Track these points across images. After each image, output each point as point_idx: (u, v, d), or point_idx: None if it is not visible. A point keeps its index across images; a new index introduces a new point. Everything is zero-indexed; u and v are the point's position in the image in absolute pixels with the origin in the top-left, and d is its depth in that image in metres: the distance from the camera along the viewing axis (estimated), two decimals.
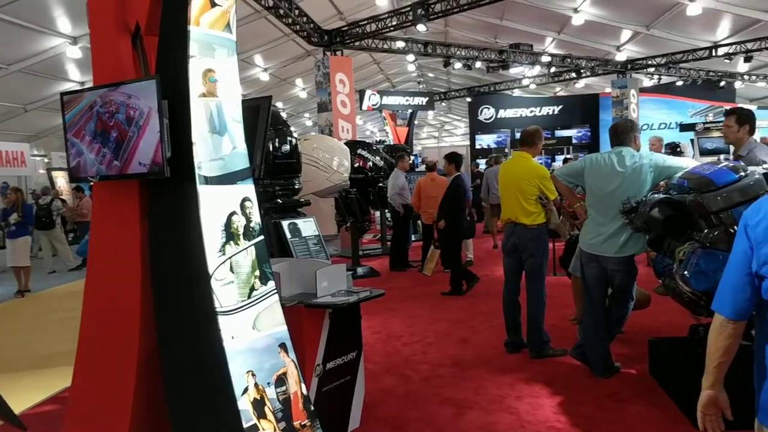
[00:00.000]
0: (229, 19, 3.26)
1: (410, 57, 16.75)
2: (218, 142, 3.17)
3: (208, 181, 3.08)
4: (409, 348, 6.01)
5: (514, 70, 20.66)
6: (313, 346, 3.80)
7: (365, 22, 14.32)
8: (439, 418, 4.33)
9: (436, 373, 5.24)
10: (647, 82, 21.89)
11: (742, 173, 3.79)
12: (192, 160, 3.04)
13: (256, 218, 3.29)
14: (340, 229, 9.78)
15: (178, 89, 3.07)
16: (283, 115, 29.57)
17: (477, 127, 22.66)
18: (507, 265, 5.70)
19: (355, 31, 14.48)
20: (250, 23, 14.47)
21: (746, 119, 4.85)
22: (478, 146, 22.91)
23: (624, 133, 4.79)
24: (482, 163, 18.02)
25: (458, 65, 18.16)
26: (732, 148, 5.36)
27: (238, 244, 3.17)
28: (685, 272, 3.74)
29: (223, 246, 3.09)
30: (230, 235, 3.14)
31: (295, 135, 5.94)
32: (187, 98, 3.06)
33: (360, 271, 9.90)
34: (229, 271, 3.09)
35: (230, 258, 3.11)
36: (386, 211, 11.71)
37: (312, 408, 3.29)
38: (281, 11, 12.64)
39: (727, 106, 19.12)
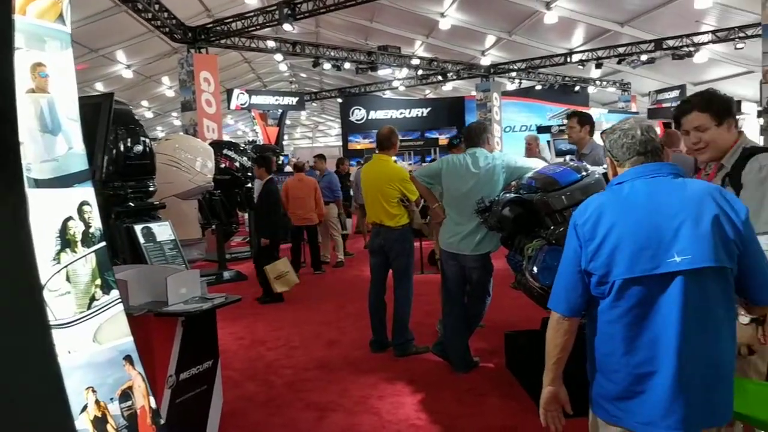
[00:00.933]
0: (62, 9, 3.02)
1: (278, 56, 16.55)
2: (51, 142, 2.92)
3: (38, 183, 2.83)
4: (273, 353, 5.89)
5: (384, 72, 20.96)
6: (165, 356, 3.61)
7: (231, 19, 13.96)
8: (302, 422, 4.27)
9: (301, 377, 5.17)
10: (510, 86, 22.90)
11: (584, 173, 4.02)
12: (20, 162, 2.79)
13: (96, 223, 3.07)
14: (205, 232, 9.45)
15: (1, 84, 2.80)
16: (149, 114, 28.50)
17: (349, 128, 22.77)
18: (373, 265, 5.73)
19: (220, 28, 14.08)
20: (111, 17, 13.73)
21: (586, 121, 5.20)
22: (350, 147, 23.02)
23: (477, 134, 4.95)
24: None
25: (327, 66, 18.15)
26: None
27: (75, 252, 2.94)
28: (534, 268, 3.90)
29: (58, 254, 2.85)
30: (66, 242, 2.91)
31: (152, 135, 5.65)
32: (13, 94, 2.80)
33: (226, 275, 9.64)
34: (65, 280, 2.86)
35: (66, 267, 2.88)
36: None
37: (161, 422, 3.12)
38: (140, 5, 12.06)
39: (583, 110, 20.42)
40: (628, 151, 2.16)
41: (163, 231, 5.09)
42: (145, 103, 26.62)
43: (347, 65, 17.79)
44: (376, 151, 5.83)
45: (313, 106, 34.28)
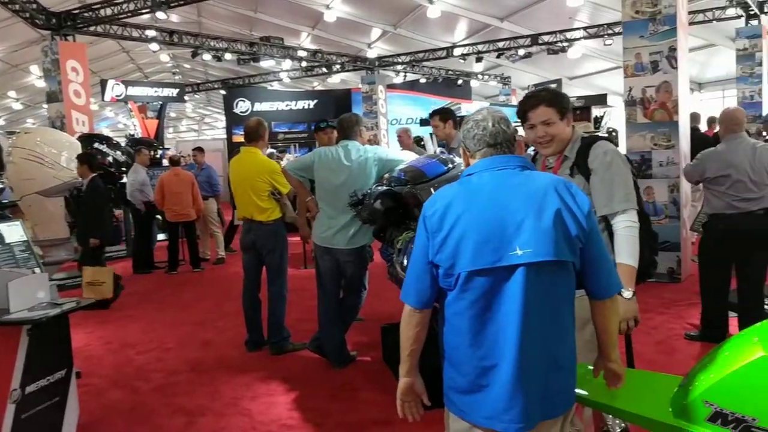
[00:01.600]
0: None
1: (154, 46, 15.79)
2: None
3: None
4: (143, 357, 5.60)
5: (269, 64, 20.56)
6: (7, 368, 3.33)
7: (99, 5, 13.18)
8: (168, 429, 4.07)
9: (171, 381, 4.94)
10: (396, 79, 23.11)
11: (450, 165, 4.05)
12: None
13: None
14: (73, 231, 8.89)
15: None
16: (18, 105, 26.59)
17: (233, 121, 22.19)
18: (246, 262, 5.56)
19: (89, 14, 13.26)
20: None
21: (447, 116, 5.32)
22: (235, 140, 22.45)
23: (349, 127, 4.89)
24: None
25: (207, 56, 17.57)
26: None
27: None
28: (404, 260, 3.89)
29: None
30: None
31: (22, 127, 5.19)
32: None
33: None
34: None
35: None
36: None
37: None
38: None
39: (465, 103, 20.91)
40: (479, 142, 2.16)
41: (13, 231, 4.69)
42: (12, 93, 24.84)
43: (228, 56, 17.28)
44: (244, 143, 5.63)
45: (198, 98, 33.21)
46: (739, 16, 14.12)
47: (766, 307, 5.54)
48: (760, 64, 13.43)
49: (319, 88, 27.34)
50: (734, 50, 14.03)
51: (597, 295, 2.13)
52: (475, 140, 2.16)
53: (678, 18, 7.14)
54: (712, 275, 5.19)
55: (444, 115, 5.58)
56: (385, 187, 4.40)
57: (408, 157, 4.76)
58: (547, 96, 2.78)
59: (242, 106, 21.39)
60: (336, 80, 25.52)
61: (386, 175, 4.72)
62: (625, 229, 2.64)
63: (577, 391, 2.23)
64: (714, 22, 15.11)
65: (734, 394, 1.94)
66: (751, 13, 13.70)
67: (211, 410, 4.32)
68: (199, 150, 10.96)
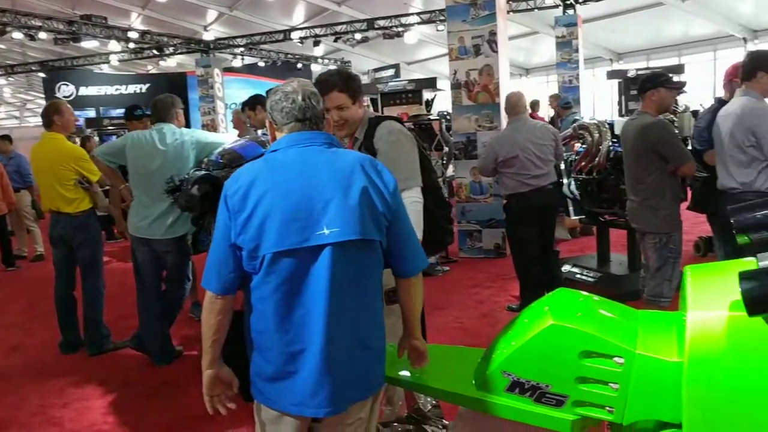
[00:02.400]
0: None
1: None
2: None
3: None
4: None
5: (90, 44, 19.12)
6: None
7: None
8: None
9: None
10: (235, 63, 22.44)
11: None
12: None
13: None
14: None
15: None
16: None
17: None
18: (56, 258, 5.11)
19: None
20: None
21: (255, 103, 5.36)
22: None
23: (164, 108, 4.60)
24: None
25: (19, 35, 15.99)
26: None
27: None
28: None
29: None
30: None
31: None
32: None
33: None
34: None
35: None
36: None
37: None
38: None
39: None
40: (287, 115, 2.04)
41: None
42: None
43: (43, 35, 15.83)
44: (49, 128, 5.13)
45: (17, 81, 30.38)
46: (557, 5, 15.06)
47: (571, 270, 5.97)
48: (577, 51, 14.41)
49: (154, 71, 25.95)
50: (554, 37, 14.95)
51: (403, 273, 2.11)
52: (283, 113, 2.04)
53: (497, 3, 7.42)
54: (521, 251, 5.48)
55: (252, 103, 5.56)
56: (203, 172, 4.18)
57: (227, 140, 4.56)
58: (338, 81, 2.79)
59: (65, 90, 19.89)
60: (172, 63, 24.32)
61: (205, 159, 4.49)
62: (411, 204, 2.67)
63: (388, 371, 2.21)
64: (535, 10, 16.03)
65: (528, 363, 1.98)
66: (568, 3, 14.65)
67: (15, 422, 3.91)
68: (4, 138, 9.91)
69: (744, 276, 1.60)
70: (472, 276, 6.92)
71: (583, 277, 6.07)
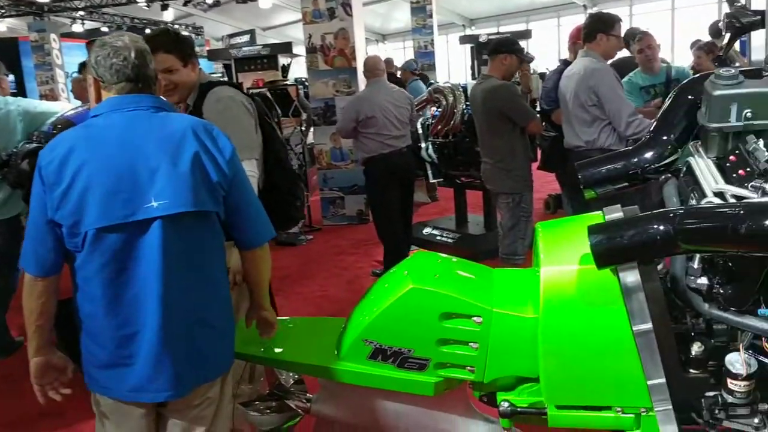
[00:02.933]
0: None
1: None
2: None
3: None
4: None
5: None
6: None
7: None
8: None
9: None
10: (76, 27, 20.80)
11: None
12: None
13: None
14: None
15: None
16: None
17: None
18: None
19: None
20: None
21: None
22: None
23: None
24: None
25: None
26: None
27: None
28: None
29: None
30: None
31: None
32: None
33: None
34: None
35: None
36: None
37: None
38: None
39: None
40: (117, 74, 1.82)
41: None
42: None
43: None
44: None
45: None
46: None
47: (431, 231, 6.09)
48: (431, 17, 14.60)
49: None
50: (410, 3, 15.05)
51: (246, 244, 1.99)
52: (113, 71, 1.82)
53: None
54: (384, 214, 5.46)
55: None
56: (33, 145, 3.79)
57: (61, 108, 4.16)
58: (166, 41, 2.56)
59: None
60: (2, 28, 22.12)
61: (36, 131, 4.07)
62: None
63: (245, 348, 2.11)
64: None
65: (390, 329, 1.94)
66: None
67: None
68: None
69: (592, 230, 1.63)
70: (336, 243, 6.88)
71: (443, 239, 6.21)
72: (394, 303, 1.91)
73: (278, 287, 5.46)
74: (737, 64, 5.65)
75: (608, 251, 1.61)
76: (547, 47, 18.12)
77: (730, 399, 1.73)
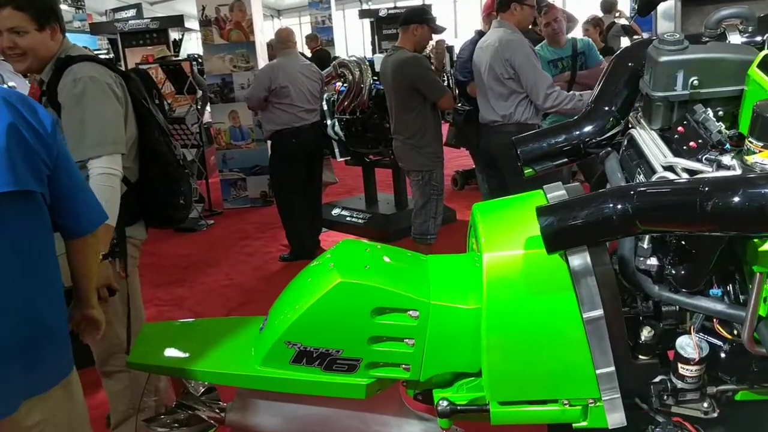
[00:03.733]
0: None
1: None
2: None
3: None
4: None
5: None
6: None
7: None
8: None
9: None
10: None
11: None
12: None
13: None
14: None
15: None
16: None
17: None
18: None
19: None
20: None
21: None
22: None
23: None
24: None
25: None
26: None
27: None
28: None
29: None
30: None
31: None
32: None
33: None
34: None
35: None
36: None
37: None
38: None
39: None
40: None
41: None
42: None
43: None
44: None
45: None
46: None
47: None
48: None
49: None
50: None
51: (73, 232, 1.71)
52: None
53: None
54: (287, 192, 5.24)
55: None
56: None
57: None
58: None
59: None
60: None
61: None
62: (98, 177, 2.15)
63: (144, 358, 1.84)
64: None
65: (315, 329, 1.73)
66: None
67: None
68: None
69: (542, 211, 1.47)
70: (240, 227, 6.55)
71: (353, 219, 6.01)
72: (320, 300, 1.70)
73: (181, 277, 5.12)
74: (636, 37, 5.74)
75: (560, 234, 1.46)
76: (444, 23, 18.15)
77: (679, 384, 1.64)
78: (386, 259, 1.84)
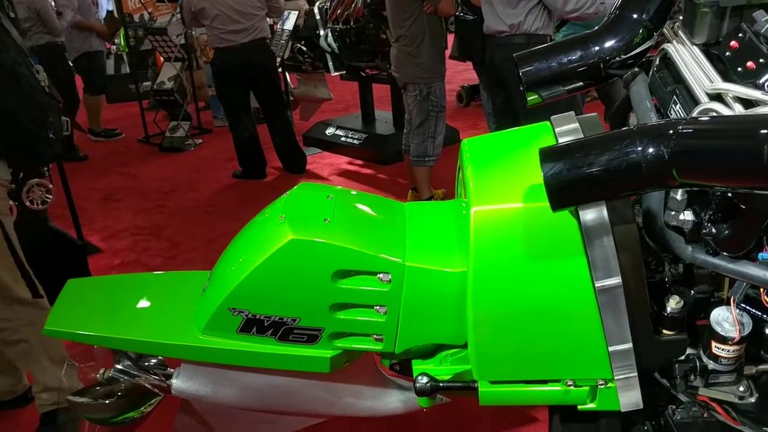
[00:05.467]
0: None
1: None
2: None
3: None
4: None
5: None
6: None
7: None
8: None
9: None
10: None
11: None
12: None
13: None
14: None
15: None
16: None
17: None
18: None
19: None
20: None
21: None
22: None
23: None
24: None
25: None
26: None
27: None
28: None
29: None
30: None
31: None
32: None
33: None
34: None
35: None
36: None
37: None
38: None
39: None
40: None
41: None
42: None
43: None
44: None
45: None
46: None
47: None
48: None
49: None
50: None
51: None
52: None
53: None
54: (228, 111, 5.14)
55: None
56: None
57: None
58: None
59: None
60: None
61: None
62: None
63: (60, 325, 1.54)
64: None
65: (264, 295, 1.41)
66: None
67: None
68: None
69: (546, 156, 1.11)
70: (229, 147, 6.17)
71: (348, 140, 5.65)
72: (268, 260, 1.37)
73: (161, 203, 4.82)
74: None
75: (570, 188, 1.11)
76: None
77: (711, 365, 1.33)
78: (354, 208, 1.50)
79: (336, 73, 5.66)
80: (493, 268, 1.27)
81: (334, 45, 5.32)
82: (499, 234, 1.26)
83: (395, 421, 2.08)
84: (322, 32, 5.36)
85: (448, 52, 4.28)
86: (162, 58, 6.45)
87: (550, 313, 1.29)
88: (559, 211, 1.17)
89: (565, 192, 1.11)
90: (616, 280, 1.22)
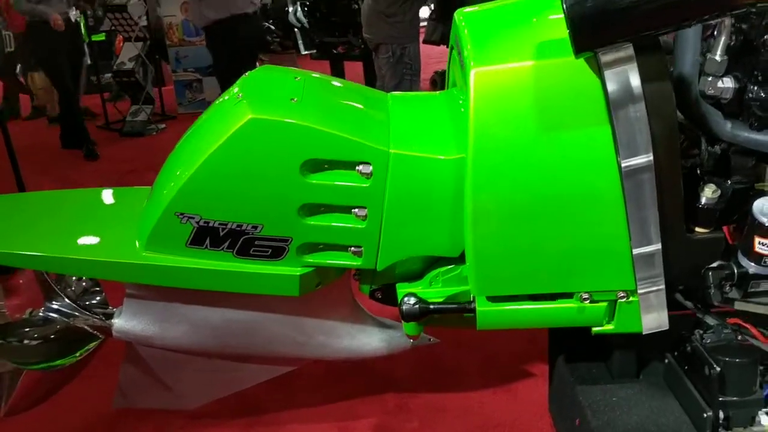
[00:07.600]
0: None
1: None
2: None
3: None
4: None
5: None
6: None
7: None
8: None
9: None
10: None
11: None
12: None
13: None
14: None
15: None
16: None
17: None
18: None
19: None
20: None
21: None
22: None
23: None
24: None
25: None
26: None
27: None
28: None
29: None
30: None
31: None
32: None
33: None
34: None
35: None
36: None
37: None
38: None
39: None
40: None
41: None
42: None
43: None
44: None
45: None
46: None
47: None
48: None
49: None
50: None
51: None
52: None
53: None
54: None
55: None
56: None
57: None
58: None
59: None
60: None
61: None
62: None
63: None
64: None
65: (218, 193, 1.17)
66: None
67: None
68: None
69: None
70: None
71: None
72: (223, 146, 1.13)
73: (117, 183, 4.52)
74: None
75: (598, 18, 0.89)
76: None
77: (752, 268, 1.12)
78: (325, 90, 1.26)
79: (306, 52, 5.42)
80: (498, 144, 1.05)
81: (303, 20, 5.08)
82: (504, 101, 1.04)
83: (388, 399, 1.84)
84: (290, 8, 5.12)
85: (422, 37, 4.06)
86: (122, 38, 6.14)
87: (565, 201, 1.07)
88: (579, 61, 0.95)
89: (592, 24, 0.89)
90: (646, 159, 1.01)
